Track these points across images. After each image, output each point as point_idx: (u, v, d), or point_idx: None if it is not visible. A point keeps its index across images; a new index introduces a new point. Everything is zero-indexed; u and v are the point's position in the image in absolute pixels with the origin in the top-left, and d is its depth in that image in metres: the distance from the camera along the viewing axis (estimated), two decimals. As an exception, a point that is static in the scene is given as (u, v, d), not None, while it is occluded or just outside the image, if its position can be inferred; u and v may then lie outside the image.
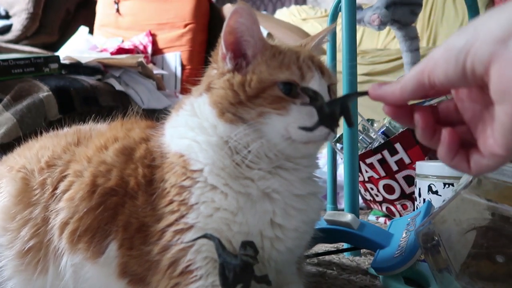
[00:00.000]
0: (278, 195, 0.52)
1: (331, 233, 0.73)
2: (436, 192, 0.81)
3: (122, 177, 0.53)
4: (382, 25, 1.12)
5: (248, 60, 0.52)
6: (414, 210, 0.96)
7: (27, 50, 2.07)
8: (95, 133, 0.63)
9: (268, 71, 0.50)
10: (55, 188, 0.55)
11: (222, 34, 0.51)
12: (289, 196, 0.52)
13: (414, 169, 0.91)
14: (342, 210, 0.91)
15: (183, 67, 2.23)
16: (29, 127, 1.12)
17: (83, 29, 2.23)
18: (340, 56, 0.84)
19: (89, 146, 0.59)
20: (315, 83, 0.51)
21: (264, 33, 2.26)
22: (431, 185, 0.82)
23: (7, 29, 2.24)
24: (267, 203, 0.51)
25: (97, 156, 0.56)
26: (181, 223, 0.49)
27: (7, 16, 2.29)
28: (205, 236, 0.45)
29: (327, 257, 0.83)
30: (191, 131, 0.53)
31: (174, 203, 0.50)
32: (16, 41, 2.23)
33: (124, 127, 0.62)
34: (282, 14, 3.49)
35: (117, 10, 2.38)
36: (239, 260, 0.44)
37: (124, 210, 0.51)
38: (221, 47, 0.52)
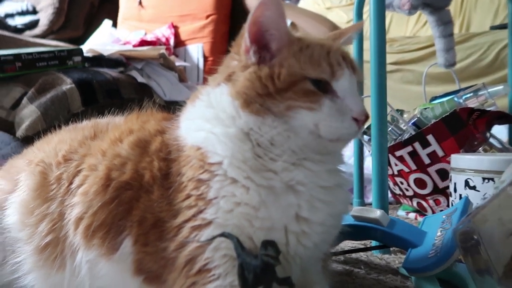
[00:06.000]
0: (303, 187, 0.49)
1: (359, 230, 0.69)
2: (474, 188, 0.75)
3: (137, 171, 0.51)
4: (412, 9, 1.06)
5: (272, 54, 0.50)
6: (448, 206, 0.90)
7: (53, 45, 2.10)
8: (111, 126, 0.61)
9: (298, 65, 0.49)
10: (71, 183, 0.54)
11: (246, 26, 0.50)
12: (315, 188, 0.50)
13: (448, 162, 0.86)
14: (370, 204, 0.86)
15: (205, 58, 2.21)
16: (52, 120, 1.13)
17: (106, 23, 2.25)
18: (368, 45, 0.80)
19: (104, 139, 0.57)
20: (345, 81, 0.50)
21: (288, 22, 2.20)
22: (468, 179, 0.76)
23: (34, 24, 2.29)
24: (291, 196, 0.48)
25: (111, 149, 0.54)
26: (199, 219, 0.46)
27: (34, 12, 2.33)
28: (222, 234, 0.43)
29: (354, 255, 0.79)
30: (207, 123, 0.51)
31: (191, 197, 0.48)
32: (43, 36, 2.27)
33: (139, 119, 0.60)
34: (306, 3, 3.41)
35: (140, 3, 2.38)
36: (260, 261, 0.41)
37: (139, 205, 0.49)
38: (245, 40, 0.50)
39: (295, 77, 0.48)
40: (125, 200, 0.50)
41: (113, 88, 1.33)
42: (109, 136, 0.57)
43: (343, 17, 3.02)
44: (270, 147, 0.49)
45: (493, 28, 2.36)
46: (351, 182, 1.17)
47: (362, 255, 0.78)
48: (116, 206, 0.49)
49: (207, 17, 2.28)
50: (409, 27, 2.89)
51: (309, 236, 0.49)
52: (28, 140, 1.04)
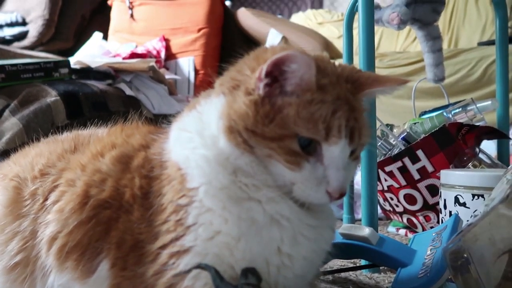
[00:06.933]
0: (288, 222, 0.46)
1: (347, 249, 0.67)
2: (464, 204, 0.74)
3: (117, 188, 0.48)
4: (402, 24, 1.06)
5: (284, 92, 0.45)
6: (438, 222, 0.89)
7: (42, 56, 2.08)
8: (93, 138, 0.59)
9: (294, 119, 0.44)
10: (46, 199, 0.51)
11: (268, 61, 0.44)
12: (300, 224, 0.47)
13: (438, 178, 0.85)
14: (360, 220, 0.85)
15: (196, 72, 2.20)
16: (35, 133, 1.10)
17: (97, 35, 2.24)
18: (357, 60, 0.80)
19: (85, 152, 0.55)
20: (336, 150, 0.45)
21: (279, 37, 2.21)
22: (458, 196, 0.75)
23: (23, 35, 2.27)
24: (275, 229, 0.46)
25: (92, 164, 0.51)
26: (177, 245, 0.44)
27: (23, 23, 2.31)
28: (199, 266, 0.41)
29: (343, 274, 0.76)
30: (191, 141, 0.48)
31: (170, 222, 0.45)
32: (31, 47, 2.25)
33: (123, 132, 0.58)
34: (298, 18, 3.44)
35: (131, 16, 2.38)
36: (240, 291, 0.39)
37: (118, 225, 0.47)
38: (261, 70, 0.45)
39: (285, 132, 0.44)
40: (103, 220, 0.47)
41: (100, 100, 1.31)
42: (90, 150, 0.54)
43: (334, 32, 3.05)
44: (252, 175, 0.46)
45: (481, 44, 2.40)
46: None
47: (351, 274, 0.76)
48: (93, 226, 0.47)
49: (199, 30, 2.28)
50: (399, 43, 2.93)
51: (290, 269, 0.47)
52: (8, 154, 1.01)
